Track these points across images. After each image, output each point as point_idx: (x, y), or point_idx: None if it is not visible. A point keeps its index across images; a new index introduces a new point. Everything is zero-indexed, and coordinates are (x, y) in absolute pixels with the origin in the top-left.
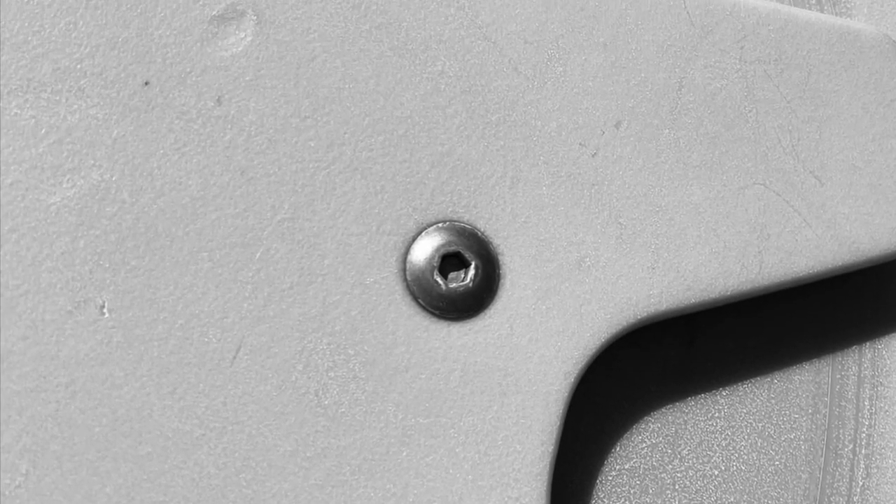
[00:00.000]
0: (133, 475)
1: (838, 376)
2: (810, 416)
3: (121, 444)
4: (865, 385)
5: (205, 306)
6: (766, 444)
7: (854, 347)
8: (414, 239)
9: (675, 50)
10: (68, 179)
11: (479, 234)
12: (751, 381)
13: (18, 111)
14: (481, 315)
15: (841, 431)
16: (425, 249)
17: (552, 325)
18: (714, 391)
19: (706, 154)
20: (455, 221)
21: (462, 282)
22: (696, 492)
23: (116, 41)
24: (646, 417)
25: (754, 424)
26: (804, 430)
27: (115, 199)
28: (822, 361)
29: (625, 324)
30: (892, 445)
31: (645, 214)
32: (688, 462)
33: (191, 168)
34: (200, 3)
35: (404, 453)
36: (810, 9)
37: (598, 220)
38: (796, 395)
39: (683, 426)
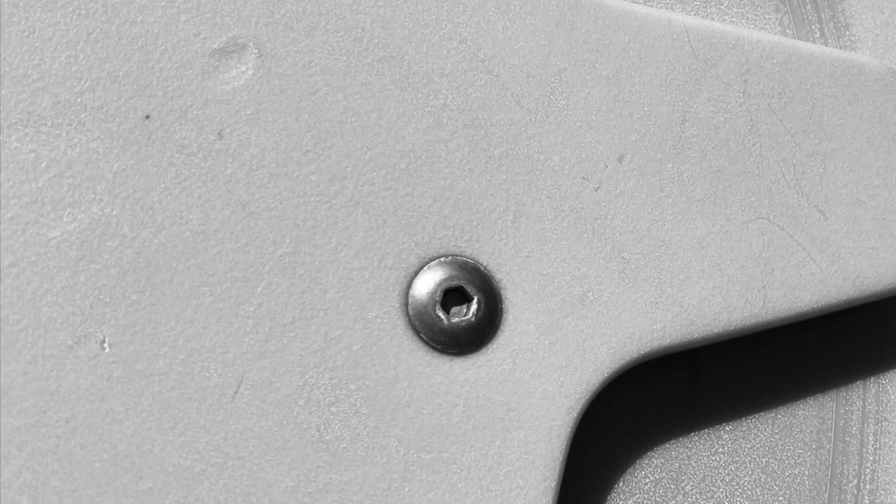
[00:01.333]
0: None
1: (842, 411)
2: (814, 452)
3: (121, 480)
4: (870, 420)
5: (206, 341)
6: (769, 480)
7: (858, 382)
8: (416, 273)
9: (678, 83)
10: (69, 213)
11: (482, 268)
12: (754, 417)
13: (19, 145)
14: (484, 350)
15: (845, 467)
16: (427, 284)
17: (555, 360)
18: (717, 426)
19: (710, 188)
20: (457, 256)
21: (464, 316)
22: None
23: (117, 74)
24: (649, 453)
25: (758, 460)
26: (808, 466)
27: (116, 234)
28: (827, 396)
29: (628, 359)
30: None
31: (648, 249)
32: (691, 498)
33: (192, 202)
34: (202, 36)
35: (406, 489)
36: (814, 42)
37: (601, 255)
38: (800, 430)
39: (687, 461)
